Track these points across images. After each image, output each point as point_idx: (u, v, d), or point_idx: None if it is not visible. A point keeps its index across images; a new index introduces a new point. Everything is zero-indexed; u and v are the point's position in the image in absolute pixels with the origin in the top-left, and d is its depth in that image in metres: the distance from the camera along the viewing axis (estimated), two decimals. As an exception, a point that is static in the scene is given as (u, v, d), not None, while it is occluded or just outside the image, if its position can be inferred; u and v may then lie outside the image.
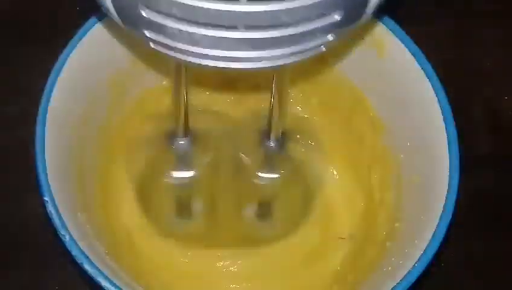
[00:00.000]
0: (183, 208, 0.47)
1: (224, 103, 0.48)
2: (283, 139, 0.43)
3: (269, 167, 0.44)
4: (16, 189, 0.48)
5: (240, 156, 0.45)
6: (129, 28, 0.30)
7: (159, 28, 0.28)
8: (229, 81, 0.47)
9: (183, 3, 0.26)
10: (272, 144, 0.43)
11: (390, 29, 0.41)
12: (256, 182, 0.45)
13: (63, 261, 0.45)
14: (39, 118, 0.39)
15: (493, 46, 0.55)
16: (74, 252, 0.36)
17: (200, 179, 0.45)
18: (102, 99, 0.44)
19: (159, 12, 0.28)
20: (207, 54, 0.29)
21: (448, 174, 0.38)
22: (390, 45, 0.42)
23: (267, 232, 0.47)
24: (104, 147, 0.45)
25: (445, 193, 0.38)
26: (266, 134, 0.43)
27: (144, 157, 0.45)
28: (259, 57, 0.29)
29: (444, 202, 0.38)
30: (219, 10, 0.26)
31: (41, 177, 0.37)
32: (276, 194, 0.46)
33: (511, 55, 0.55)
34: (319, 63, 0.45)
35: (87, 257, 0.36)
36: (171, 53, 0.30)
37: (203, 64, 0.30)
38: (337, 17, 0.28)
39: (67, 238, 0.36)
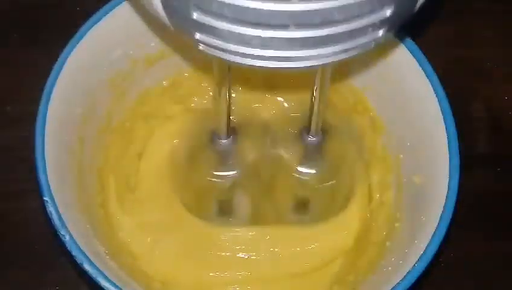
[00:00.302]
0: (224, 207, 0.47)
1: (263, 99, 0.48)
2: (323, 134, 0.43)
3: (309, 161, 0.44)
4: (16, 189, 0.48)
5: (279, 152, 0.45)
6: (178, 31, 0.30)
7: (210, 30, 0.28)
8: (268, 78, 0.47)
9: (235, 4, 0.26)
10: (312, 138, 0.43)
11: (390, 29, 0.41)
12: (295, 177, 0.45)
13: (63, 261, 0.46)
14: (39, 118, 0.39)
15: (493, 46, 0.55)
16: (74, 252, 0.36)
17: (241, 178, 0.45)
18: (102, 99, 0.44)
19: (210, 13, 0.27)
20: (258, 55, 0.29)
21: (448, 174, 0.38)
22: (390, 45, 0.42)
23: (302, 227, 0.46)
24: (104, 147, 0.45)
25: (445, 193, 0.38)
26: (306, 129, 0.43)
27: (186, 156, 0.45)
28: (311, 56, 0.29)
29: (444, 202, 0.38)
30: (270, 10, 0.26)
31: (41, 177, 0.37)
32: (314, 189, 0.46)
33: (511, 55, 0.55)
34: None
35: (87, 257, 0.36)
36: (222, 55, 0.30)
37: (255, 65, 0.30)
38: (387, 12, 0.28)
39: (67, 238, 0.36)
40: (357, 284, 0.41)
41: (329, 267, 0.45)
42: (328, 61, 0.30)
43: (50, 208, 0.37)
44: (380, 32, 0.29)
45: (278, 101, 0.48)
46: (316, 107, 0.40)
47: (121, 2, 0.41)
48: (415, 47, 0.41)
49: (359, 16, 0.27)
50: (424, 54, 0.41)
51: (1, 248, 0.47)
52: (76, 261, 0.36)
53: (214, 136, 0.44)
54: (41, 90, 0.39)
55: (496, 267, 0.48)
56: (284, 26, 0.27)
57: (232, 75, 0.38)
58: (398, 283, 0.36)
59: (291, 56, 0.29)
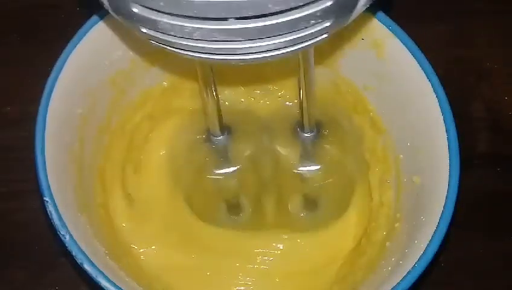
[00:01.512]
0: (231, 205, 0.47)
1: (256, 95, 0.48)
2: (318, 129, 0.43)
3: (308, 158, 0.44)
4: (16, 189, 0.48)
5: (277, 149, 0.45)
6: (127, 25, 0.30)
7: (153, 24, 0.28)
8: (258, 75, 0.47)
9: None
10: (307, 134, 0.43)
11: (390, 30, 0.41)
12: (297, 175, 0.44)
13: (63, 261, 0.46)
14: (39, 118, 0.39)
15: (493, 46, 0.55)
16: (74, 252, 0.36)
17: (243, 173, 0.45)
18: (102, 99, 0.44)
19: (149, 8, 0.27)
20: (203, 47, 0.29)
21: (448, 174, 0.38)
22: (390, 45, 0.42)
23: (313, 223, 0.47)
24: (104, 147, 0.45)
25: (445, 193, 0.38)
26: (301, 125, 0.43)
27: (184, 159, 0.45)
28: (255, 47, 0.29)
29: (444, 202, 0.38)
30: (203, 2, 0.26)
31: (42, 177, 0.37)
32: (318, 186, 0.46)
33: (511, 55, 0.55)
34: (319, 62, 0.45)
35: (87, 257, 0.36)
36: (169, 48, 0.30)
37: (201, 57, 0.30)
38: (328, 2, 0.27)
39: (67, 238, 0.36)
40: (357, 284, 0.41)
41: (329, 267, 0.45)
42: (275, 54, 0.29)
43: (50, 208, 0.37)
44: (326, 23, 0.29)
45: (272, 97, 0.48)
46: (304, 103, 0.40)
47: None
48: (415, 47, 0.41)
49: (298, 7, 0.27)
50: (424, 54, 0.41)
51: (1, 248, 0.47)
52: (76, 261, 0.36)
53: (209, 135, 0.44)
54: (41, 90, 0.39)
55: (496, 267, 0.48)
56: (223, 19, 0.27)
57: (221, 72, 0.38)
58: (398, 283, 0.36)
59: (236, 48, 0.29)
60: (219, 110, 0.41)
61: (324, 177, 0.45)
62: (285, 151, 0.45)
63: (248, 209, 0.47)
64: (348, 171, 0.46)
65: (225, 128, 0.44)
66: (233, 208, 0.47)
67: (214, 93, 0.40)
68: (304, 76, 0.38)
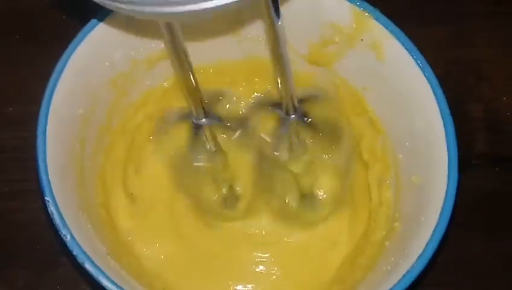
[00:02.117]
0: (227, 197, 0.46)
1: (235, 84, 0.48)
2: (301, 109, 0.43)
3: (296, 143, 0.44)
4: (17, 189, 0.49)
5: (262, 136, 0.45)
6: None
7: None
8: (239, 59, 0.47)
9: None
10: (291, 116, 0.43)
11: (389, 31, 0.41)
12: (290, 168, 0.44)
13: (64, 261, 0.46)
14: (40, 119, 0.39)
15: (493, 46, 0.55)
16: (75, 251, 0.36)
17: (230, 157, 0.44)
18: (103, 100, 0.44)
19: None
20: None
21: (447, 174, 0.39)
22: (389, 46, 0.42)
23: (311, 222, 0.46)
24: (104, 147, 0.45)
25: (444, 193, 0.38)
26: (281, 107, 0.42)
27: (171, 148, 0.45)
28: None
29: (443, 202, 0.38)
30: None
31: (43, 177, 0.37)
32: (312, 180, 0.45)
33: (511, 55, 0.55)
34: (319, 64, 0.46)
35: (88, 257, 0.36)
36: (112, 5, 0.29)
37: (143, 11, 0.29)
38: None
39: (68, 238, 0.37)
40: (357, 284, 0.41)
41: (329, 267, 0.45)
42: (220, 4, 0.28)
43: (51, 208, 0.37)
44: None
45: (252, 83, 0.48)
46: (280, 84, 0.40)
47: (122, 3, 0.42)
48: (414, 48, 0.41)
49: None
50: (423, 55, 0.41)
51: (2, 248, 0.47)
52: (77, 260, 0.36)
53: (191, 120, 0.43)
54: (43, 91, 0.39)
55: (495, 267, 0.48)
56: None
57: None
58: (397, 283, 0.36)
59: None
60: (199, 93, 0.40)
61: (318, 169, 0.45)
62: (271, 138, 0.44)
63: (242, 203, 0.46)
64: (345, 170, 0.46)
65: (208, 114, 0.43)
66: (230, 200, 0.46)
67: (192, 79, 0.39)
68: (276, 57, 0.37)
